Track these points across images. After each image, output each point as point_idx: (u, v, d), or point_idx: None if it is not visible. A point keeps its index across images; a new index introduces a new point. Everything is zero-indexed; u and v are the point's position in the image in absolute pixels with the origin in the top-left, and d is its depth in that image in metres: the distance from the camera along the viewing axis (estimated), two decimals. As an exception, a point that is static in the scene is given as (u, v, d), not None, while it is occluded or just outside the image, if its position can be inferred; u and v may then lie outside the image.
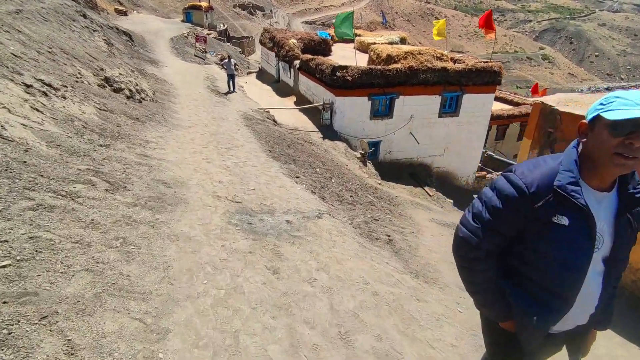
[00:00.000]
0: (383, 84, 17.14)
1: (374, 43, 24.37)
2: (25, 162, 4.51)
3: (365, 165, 16.07)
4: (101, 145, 6.66)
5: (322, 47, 23.33)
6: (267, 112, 17.01)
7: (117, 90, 9.96)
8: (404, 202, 12.67)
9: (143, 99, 10.70)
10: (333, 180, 10.73)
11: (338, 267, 4.38)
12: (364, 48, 24.67)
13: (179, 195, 5.42)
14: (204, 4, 43.70)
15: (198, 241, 4.28)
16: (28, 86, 7.21)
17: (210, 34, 38.98)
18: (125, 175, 5.44)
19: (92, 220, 3.92)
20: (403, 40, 24.60)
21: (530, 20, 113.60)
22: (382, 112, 18.03)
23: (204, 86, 18.17)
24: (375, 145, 18.43)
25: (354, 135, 17.68)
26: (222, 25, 44.46)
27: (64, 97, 7.95)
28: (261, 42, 27.65)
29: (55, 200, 3.97)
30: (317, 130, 17.26)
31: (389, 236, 6.25)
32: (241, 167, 8.32)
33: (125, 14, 38.03)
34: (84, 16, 17.69)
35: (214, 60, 28.22)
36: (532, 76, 78.75)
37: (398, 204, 12.05)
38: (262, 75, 27.42)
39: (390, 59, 17.90)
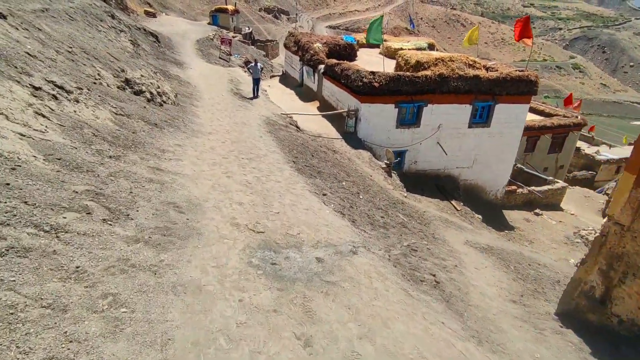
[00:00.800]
0: (411, 92, 15.97)
1: (401, 49, 23.17)
2: (8, 184, 3.65)
3: (390, 176, 14.95)
4: (110, 157, 5.79)
5: (347, 52, 22.27)
6: (290, 117, 16.08)
7: (138, 93, 9.17)
8: (434, 220, 11.50)
9: (164, 102, 9.89)
10: (361, 197, 9.68)
11: (385, 333, 3.34)
12: (390, 54, 23.52)
13: (192, 223, 4.47)
14: (230, 7, 43.25)
15: (210, 294, 3.31)
16: (36, 88, 6.41)
17: (235, 36, 38.41)
18: (131, 197, 4.53)
19: (77, 267, 2.98)
20: (431, 47, 23.31)
21: (561, 28, 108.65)
22: (409, 120, 16.86)
23: (227, 89, 17.39)
24: (400, 155, 17.28)
25: (379, 144, 16.57)
26: (247, 28, 43.92)
27: (77, 101, 7.15)
28: (285, 46, 26.80)
29: (34, 240, 3.06)
30: (341, 137, 16.22)
31: (434, 276, 5.17)
32: (264, 183, 7.36)
33: (154, 15, 37.88)
34: (112, 17, 17.15)
35: (238, 63, 27.54)
36: (562, 85, 75.33)
37: (429, 222, 10.90)
38: (285, 79, 26.57)
39: (419, 65, 16.70)
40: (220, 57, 26.57)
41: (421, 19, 74.18)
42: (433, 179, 17.95)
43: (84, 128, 6.35)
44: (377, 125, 16.28)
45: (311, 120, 17.37)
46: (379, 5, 79.58)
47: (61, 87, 7.05)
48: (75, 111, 6.79)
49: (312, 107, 20.17)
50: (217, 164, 7.78)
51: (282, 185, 7.48)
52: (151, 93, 9.51)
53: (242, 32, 41.40)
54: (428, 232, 9.25)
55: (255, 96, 17.01)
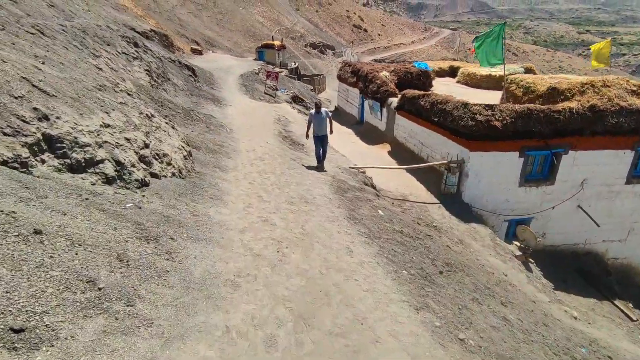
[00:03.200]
0: (545, 133, 10.12)
1: (489, 75, 17.47)
2: None
3: (529, 269, 8.93)
4: None
5: (421, 81, 16.87)
6: (363, 172, 10.67)
7: (81, 167, 3.98)
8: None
9: (157, 174, 4.76)
10: (510, 318, 3.88)
11: None
12: (475, 82, 17.83)
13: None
14: (276, 43, 39.98)
15: None
16: None
17: (281, 71, 34.28)
18: None
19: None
20: (529, 71, 17.37)
21: (624, 54, 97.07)
22: (538, 174, 10.87)
23: (273, 132, 12.41)
24: (521, 224, 11.22)
25: (492, 211, 10.65)
26: (293, 63, 40.20)
27: None
28: (340, 77, 21.94)
29: None
30: (437, 202, 10.52)
31: None
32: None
33: (200, 53, 35.02)
34: (135, 44, 13.00)
35: (285, 99, 22.99)
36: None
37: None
38: (338, 116, 21.50)
39: (555, 94, 10.88)
40: (265, 93, 22.10)
41: (469, 49, 68.17)
42: (570, 258, 11.60)
43: None
44: (492, 182, 10.42)
45: (387, 174, 11.84)
46: (424, 38, 74.76)
47: None
48: None
49: (381, 151, 14.69)
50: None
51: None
52: (118, 163, 4.30)
53: (289, 67, 37.60)
54: None
55: (320, 164, 9.34)
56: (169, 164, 5.27)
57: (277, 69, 32.25)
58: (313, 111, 9.20)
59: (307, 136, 9.44)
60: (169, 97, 11.87)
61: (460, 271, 6.52)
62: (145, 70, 10.80)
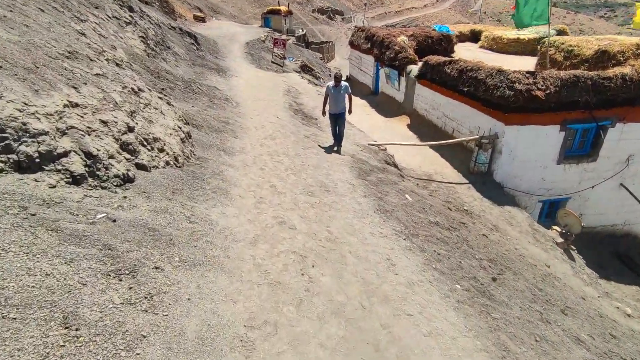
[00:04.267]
0: (594, 103, 8.74)
1: (517, 39, 15.67)
2: None
3: (572, 257, 7.88)
4: None
5: (442, 46, 15.19)
6: (384, 149, 9.47)
7: (32, 164, 2.80)
8: None
9: (143, 167, 3.75)
10: (558, 323, 2.92)
11: None
12: (500, 46, 16.06)
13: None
14: (283, 9, 37.46)
15: None
16: None
17: (288, 39, 32.25)
18: None
19: None
20: (562, 33, 15.51)
21: None
22: (579, 150, 9.58)
23: (284, 105, 11.15)
24: (555, 204, 10.07)
25: (526, 191, 9.49)
26: (300, 30, 37.81)
27: None
28: (352, 44, 20.14)
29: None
30: (464, 180, 9.36)
31: None
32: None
33: (203, 20, 32.90)
34: (130, 9, 11.53)
35: (294, 68, 21.37)
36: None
37: None
38: (350, 86, 19.99)
39: (604, 58, 9.37)
40: (273, 62, 20.52)
41: (484, 12, 63.68)
42: (607, 241, 10.50)
43: None
44: (528, 160, 9.18)
45: (409, 150, 10.61)
46: (437, 1, 69.79)
47: None
48: None
49: (399, 124, 13.37)
50: None
51: None
52: (90, 156, 3.00)
53: (296, 35, 35.42)
54: None
55: (338, 146, 7.82)
56: (161, 150, 4.17)
57: (284, 37, 30.27)
58: (331, 84, 7.54)
59: (323, 112, 7.95)
60: (168, 67, 10.59)
61: (507, 269, 5.49)
62: (141, 37, 9.46)
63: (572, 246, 8.09)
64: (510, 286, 4.51)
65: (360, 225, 4.30)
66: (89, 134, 3.26)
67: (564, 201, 9.80)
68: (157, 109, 4.74)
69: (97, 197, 2.93)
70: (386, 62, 14.88)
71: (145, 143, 3.95)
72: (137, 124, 4.03)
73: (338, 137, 7.82)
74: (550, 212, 10.06)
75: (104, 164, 3.21)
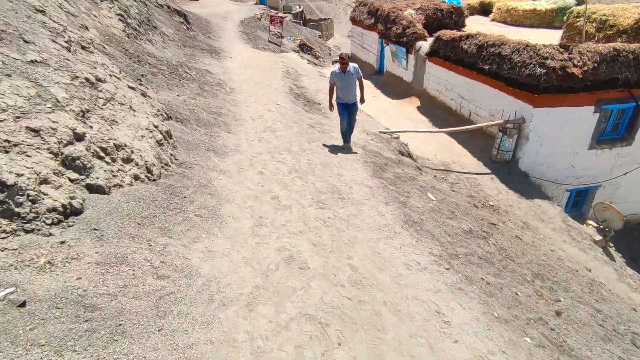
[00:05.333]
0: (635, 81, 7.57)
1: (534, 10, 14.21)
2: None
3: (611, 257, 6.93)
4: None
5: (452, 20, 13.75)
6: (396, 137, 8.35)
7: None
8: None
9: (99, 188, 2.56)
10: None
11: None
12: (515, 18, 14.60)
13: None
14: (278, -16, 35.22)
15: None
16: None
17: (285, 16, 30.36)
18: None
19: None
20: (581, 3, 14.02)
21: None
22: (613, 134, 8.47)
23: (283, 89, 9.92)
24: (583, 193, 9.05)
25: (553, 180, 8.45)
26: (297, 7, 35.63)
27: None
28: (353, 20, 18.55)
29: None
30: (486, 170, 8.28)
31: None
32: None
33: (196, -1, 30.94)
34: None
35: (292, 47, 19.82)
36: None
37: None
38: (352, 65, 18.53)
39: (648, 28, 8.10)
40: (270, 41, 19.00)
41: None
42: (635, 230, 9.56)
43: None
44: (557, 145, 8.07)
45: (421, 136, 9.46)
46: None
47: None
48: None
49: (408, 107, 12.15)
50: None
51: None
52: (4, 186, 1.78)
53: (293, 12, 33.36)
54: None
55: (347, 144, 6.36)
56: (127, 160, 3.09)
57: (281, 14, 28.40)
58: (337, 68, 5.86)
59: (330, 107, 6.15)
60: (153, 49, 9.30)
61: (556, 284, 4.52)
62: (119, 15, 8.14)
63: (610, 243, 7.13)
64: (576, 320, 3.54)
65: (389, 251, 3.28)
66: (6, 152, 2.18)
67: (593, 189, 8.78)
68: (123, 104, 3.61)
69: (13, 251, 1.90)
70: (392, 38, 13.49)
71: (102, 154, 2.87)
72: (90, 127, 2.93)
73: (348, 131, 6.32)
74: (576, 201, 9.06)
75: (29, 195, 2.15)
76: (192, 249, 2.59)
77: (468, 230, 4.71)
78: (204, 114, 5.72)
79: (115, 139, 3.11)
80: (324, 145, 6.19)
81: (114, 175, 2.90)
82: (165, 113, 4.75)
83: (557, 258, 5.86)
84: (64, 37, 4.74)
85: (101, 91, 3.42)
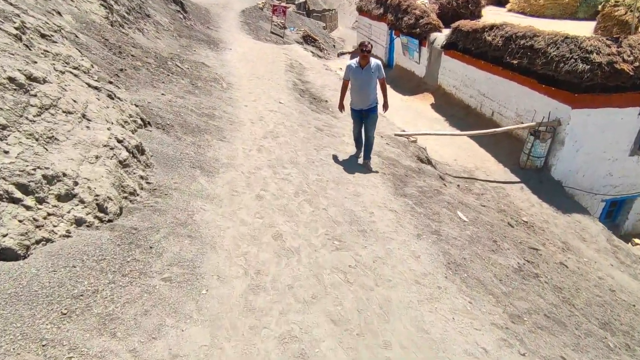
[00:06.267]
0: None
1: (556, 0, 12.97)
2: None
3: (663, 282, 5.97)
4: None
5: (469, 10, 12.55)
6: (414, 140, 7.30)
7: None
8: None
9: (11, 252, 1.86)
10: None
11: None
12: (536, 8, 13.37)
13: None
14: (281, -26, 33.67)
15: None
16: None
17: (288, 6, 28.96)
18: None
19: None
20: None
21: None
22: (658, 138, 7.41)
23: (287, 84, 8.84)
24: (619, 203, 8.03)
25: (588, 189, 7.42)
26: (300, -3, 34.17)
27: None
28: (360, 10, 17.27)
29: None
30: (514, 178, 7.24)
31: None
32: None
33: (196, -12, 29.55)
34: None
35: (295, 39, 18.59)
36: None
37: None
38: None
39: None
40: (272, 32, 17.79)
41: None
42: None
43: None
44: (594, 151, 7.00)
45: (440, 139, 8.39)
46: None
47: None
48: None
49: (421, 104, 11.04)
50: None
51: None
52: None
53: (296, 2, 31.91)
54: None
55: (363, 159, 5.00)
56: (65, 198, 2.09)
57: (284, 3, 27.02)
58: (354, 62, 4.57)
59: (340, 107, 4.99)
60: (143, 39, 8.21)
61: (628, 337, 3.55)
62: (101, 1, 7.03)
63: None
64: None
65: (440, 325, 2.28)
66: None
67: (630, 199, 7.75)
68: (71, 112, 2.58)
69: None
70: (404, 29, 12.32)
71: (19, 194, 1.87)
72: (4, 154, 1.92)
73: (365, 144, 4.91)
74: (610, 212, 8.04)
75: None
76: (145, 357, 1.61)
77: (517, 269, 3.71)
78: (193, 117, 4.68)
79: (48, 167, 2.09)
80: (335, 154, 5.16)
81: (38, 226, 1.89)
82: (141, 119, 3.71)
83: (609, 289, 4.87)
84: (14, 23, 3.70)
85: (35, 95, 2.39)
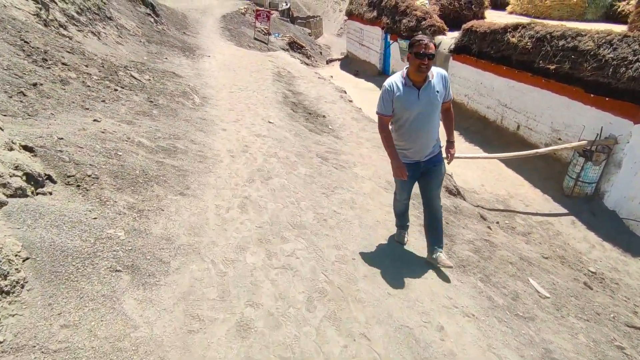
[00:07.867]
0: None
1: (561, 0, 11.80)
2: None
3: None
4: None
5: (472, 11, 11.22)
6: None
7: None
8: None
9: None
10: None
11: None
12: (540, 10, 12.14)
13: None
14: (264, -20, 32.07)
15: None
16: None
17: (272, 14, 27.31)
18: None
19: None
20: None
21: None
22: None
23: (275, 97, 7.16)
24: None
25: (644, 217, 6.05)
26: (284, 4, 32.57)
27: None
28: (350, 14, 15.74)
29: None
30: (561, 209, 5.78)
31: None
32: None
33: (175, -6, 27.56)
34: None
35: (280, 45, 16.93)
36: None
37: None
38: (349, 65, 15.77)
39: None
40: (255, 39, 16.10)
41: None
42: None
43: None
44: (656, 175, 5.63)
45: (468, 164, 6.84)
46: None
47: None
48: None
49: (426, 115, 9.58)
50: None
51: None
52: None
53: (280, 9, 30.33)
54: None
55: (433, 252, 2.68)
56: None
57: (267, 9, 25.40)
58: (399, 78, 2.39)
59: (401, 169, 2.44)
60: (97, 45, 6.40)
61: None
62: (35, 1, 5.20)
63: None
64: None
65: None
66: None
67: (686, 227, 6.37)
68: None
69: None
70: (403, 33, 10.85)
71: None
72: None
73: (430, 223, 2.71)
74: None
75: None
76: None
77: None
78: (139, 157, 2.94)
79: None
80: (351, 199, 3.50)
81: None
82: (27, 175, 1.97)
83: None
84: None
85: None
